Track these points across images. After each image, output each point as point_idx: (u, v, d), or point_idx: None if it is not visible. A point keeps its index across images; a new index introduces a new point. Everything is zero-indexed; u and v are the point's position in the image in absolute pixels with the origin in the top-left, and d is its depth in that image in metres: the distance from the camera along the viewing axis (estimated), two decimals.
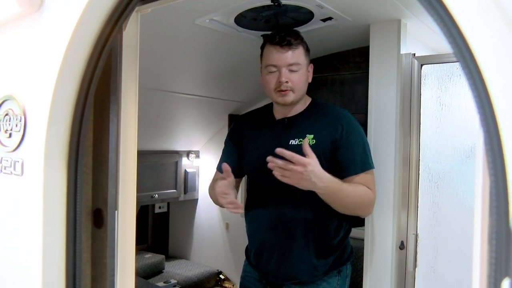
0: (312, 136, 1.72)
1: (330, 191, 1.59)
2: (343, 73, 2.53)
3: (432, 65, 1.96)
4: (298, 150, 1.68)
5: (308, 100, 1.84)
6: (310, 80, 1.80)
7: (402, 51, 1.98)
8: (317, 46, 2.42)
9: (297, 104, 1.79)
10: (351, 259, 1.88)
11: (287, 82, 1.69)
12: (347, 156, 1.71)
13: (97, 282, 1.32)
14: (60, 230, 1.24)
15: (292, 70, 1.71)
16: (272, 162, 1.49)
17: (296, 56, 1.71)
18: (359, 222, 2.06)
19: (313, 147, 1.67)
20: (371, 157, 1.76)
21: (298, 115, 1.80)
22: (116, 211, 1.30)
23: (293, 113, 1.80)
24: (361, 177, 1.70)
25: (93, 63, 1.19)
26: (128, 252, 1.34)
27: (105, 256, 1.29)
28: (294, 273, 1.77)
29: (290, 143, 1.73)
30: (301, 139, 1.71)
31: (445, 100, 1.93)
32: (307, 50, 1.78)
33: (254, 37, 2.15)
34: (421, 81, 1.97)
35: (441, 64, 1.94)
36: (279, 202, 1.76)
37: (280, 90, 1.71)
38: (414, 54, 1.98)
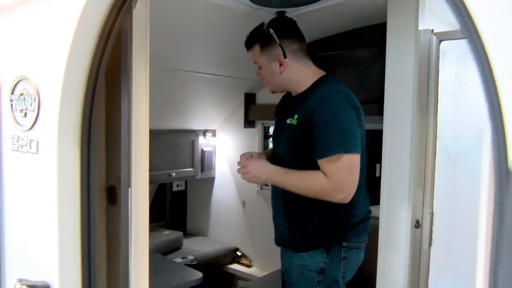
0: (297, 116, 1.76)
1: (275, 181, 1.79)
2: (360, 50, 2.48)
3: (451, 41, 1.91)
4: (287, 128, 1.79)
5: (314, 79, 1.81)
6: (283, 70, 1.81)
7: (420, 27, 1.92)
8: (333, 23, 2.38)
9: (298, 85, 1.84)
10: (344, 242, 1.78)
11: (258, 76, 1.92)
12: (315, 138, 1.67)
13: (111, 258, 1.36)
14: (74, 207, 1.27)
15: (259, 68, 1.89)
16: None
17: (254, 56, 1.89)
18: (375, 200, 2.05)
19: (295, 127, 1.75)
20: (343, 141, 1.63)
21: (300, 94, 1.84)
22: (129, 188, 1.32)
23: (297, 92, 1.86)
24: (324, 162, 1.65)
25: (103, 42, 1.19)
26: (142, 228, 1.36)
27: (119, 233, 1.32)
28: (280, 240, 1.93)
29: (286, 121, 1.81)
30: (291, 118, 1.78)
31: (464, 77, 1.88)
32: (267, 45, 1.81)
33: (269, 14, 2.13)
34: (440, 58, 1.93)
35: (460, 40, 1.88)
36: None
37: None
38: (433, 30, 1.93)
